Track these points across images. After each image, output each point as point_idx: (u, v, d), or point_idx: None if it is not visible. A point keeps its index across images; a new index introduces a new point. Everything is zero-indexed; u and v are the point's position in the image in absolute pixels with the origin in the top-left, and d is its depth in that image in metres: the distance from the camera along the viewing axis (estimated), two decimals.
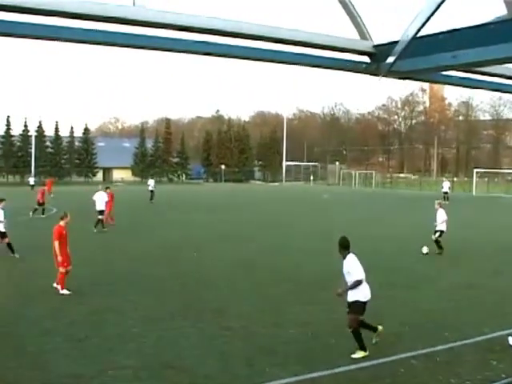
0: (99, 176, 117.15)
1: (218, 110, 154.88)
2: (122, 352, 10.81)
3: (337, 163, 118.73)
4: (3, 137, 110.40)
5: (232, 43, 6.49)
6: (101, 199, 30.74)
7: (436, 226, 23.48)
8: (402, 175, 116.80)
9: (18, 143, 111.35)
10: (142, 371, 9.81)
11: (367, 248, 21.40)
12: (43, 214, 37.18)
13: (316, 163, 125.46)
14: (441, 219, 23.40)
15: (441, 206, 23.97)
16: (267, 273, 18.69)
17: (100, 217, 30.16)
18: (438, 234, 23.32)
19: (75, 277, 17.47)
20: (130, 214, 38.48)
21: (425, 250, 22.77)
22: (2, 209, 21.37)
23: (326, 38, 6.75)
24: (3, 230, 21.45)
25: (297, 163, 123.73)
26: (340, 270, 10.99)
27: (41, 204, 37.69)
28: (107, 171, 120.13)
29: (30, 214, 36.80)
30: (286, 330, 12.22)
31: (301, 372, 9.78)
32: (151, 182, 55.05)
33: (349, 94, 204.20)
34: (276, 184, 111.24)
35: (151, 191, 52.78)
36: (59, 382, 9.31)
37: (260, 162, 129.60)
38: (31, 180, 77.47)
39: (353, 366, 10.09)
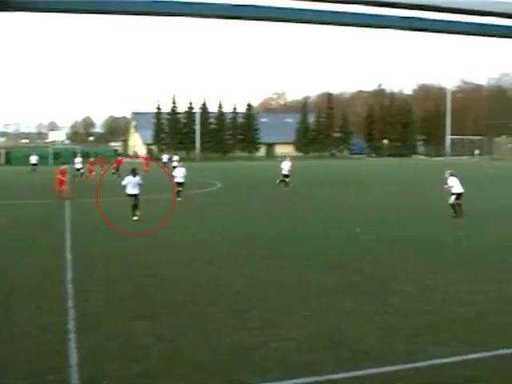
0: (262, 151, 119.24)
1: (380, 84, 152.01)
2: (284, 325, 10.98)
3: (504, 137, 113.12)
4: (169, 114, 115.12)
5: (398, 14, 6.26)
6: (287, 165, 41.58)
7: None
8: None
9: (184, 120, 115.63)
10: (303, 344, 9.91)
11: None
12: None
13: (481, 137, 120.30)
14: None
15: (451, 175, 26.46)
16: (428, 248, 18.25)
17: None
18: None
19: (235, 248, 18.01)
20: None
21: None
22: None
23: (491, 4, 6.36)
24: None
25: (461, 137, 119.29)
26: None
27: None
28: (270, 147, 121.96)
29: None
30: (452, 309, 11.89)
31: (464, 352, 9.49)
32: (286, 165, 42.34)
33: None
34: (440, 159, 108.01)
35: (285, 175, 42.09)
36: (225, 351, 9.62)
37: (423, 137, 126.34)
38: (164, 157, 79.73)
39: None
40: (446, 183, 26.47)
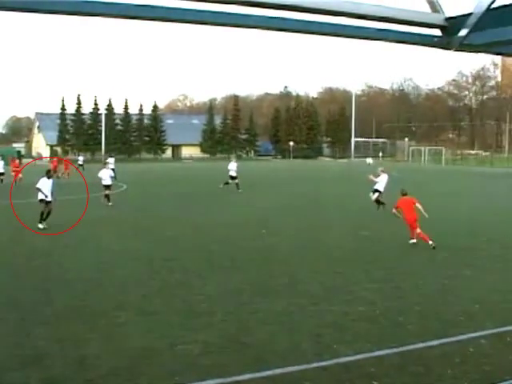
0: (168, 153, 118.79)
1: (286, 87, 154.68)
2: (191, 327, 10.99)
3: (406, 139, 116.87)
4: (74, 115, 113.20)
5: (301, 18, 6.38)
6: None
7: None
8: (472, 152, 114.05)
9: (89, 121, 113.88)
10: (210, 346, 9.94)
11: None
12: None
13: (385, 139, 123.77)
14: None
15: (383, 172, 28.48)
16: (332, 249, 18.64)
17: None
18: None
19: (147, 251, 17.91)
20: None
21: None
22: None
23: (396, 12, 6.59)
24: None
25: (366, 139, 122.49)
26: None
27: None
28: (176, 148, 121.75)
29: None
30: (356, 308, 12.18)
31: (368, 349, 9.75)
32: (233, 166, 40.84)
33: (418, 70, 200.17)
34: (345, 160, 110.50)
35: (232, 177, 40.74)
36: (131, 355, 9.53)
37: (329, 139, 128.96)
38: (80, 159, 77.79)
39: (421, 345, 9.98)
40: (377, 176, 28.33)
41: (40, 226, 22.72)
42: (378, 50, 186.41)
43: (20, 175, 48.41)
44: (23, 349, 9.82)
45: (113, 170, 48.43)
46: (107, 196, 32.01)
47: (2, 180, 48.47)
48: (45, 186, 23.06)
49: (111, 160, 53.42)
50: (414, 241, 19.05)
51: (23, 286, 14.10)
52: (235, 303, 12.55)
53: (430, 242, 18.42)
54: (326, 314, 11.80)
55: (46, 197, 22.96)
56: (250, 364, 9.13)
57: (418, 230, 18.92)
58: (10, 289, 13.91)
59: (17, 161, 53.41)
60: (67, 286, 14.14)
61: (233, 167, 40.52)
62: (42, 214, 22.97)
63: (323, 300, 12.80)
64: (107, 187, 32.37)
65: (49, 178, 23.42)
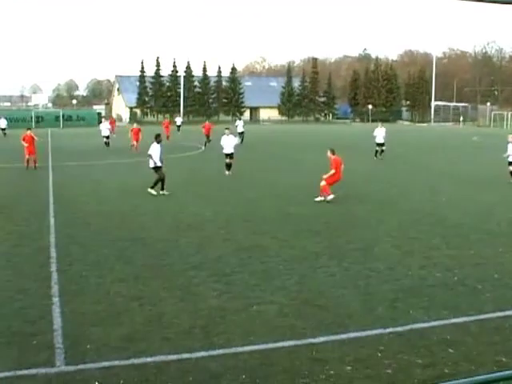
0: (246, 115, 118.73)
1: (365, 49, 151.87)
2: (267, 288, 11.02)
3: (488, 104, 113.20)
4: (153, 77, 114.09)
5: None
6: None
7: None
8: None
9: (168, 83, 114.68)
10: (286, 308, 9.97)
11: None
12: None
13: (466, 104, 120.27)
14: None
15: None
16: (410, 214, 18.32)
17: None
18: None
19: (224, 213, 18.06)
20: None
21: None
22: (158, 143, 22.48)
23: None
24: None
25: (446, 103, 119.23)
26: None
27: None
28: (254, 110, 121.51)
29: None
30: (433, 274, 11.98)
31: (445, 316, 9.58)
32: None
33: (502, 32, 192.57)
34: (424, 124, 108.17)
35: (240, 133, 48.42)
36: (207, 314, 9.66)
37: (408, 102, 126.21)
38: (178, 120, 77.77)
39: (498, 314, 9.74)
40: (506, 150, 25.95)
41: (152, 191, 22.21)
42: (460, 11, 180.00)
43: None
44: (102, 306, 10.09)
45: (241, 133, 48.91)
46: (228, 165, 28.52)
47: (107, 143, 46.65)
48: (156, 151, 22.42)
49: (240, 123, 51.27)
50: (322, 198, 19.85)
51: (103, 245, 14.47)
52: (311, 266, 12.53)
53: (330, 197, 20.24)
54: (403, 278, 11.66)
55: (157, 163, 22.38)
56: (324, 327, 9.12)
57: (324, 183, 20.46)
58: (91, 246, 14.29)
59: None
60: (146, 245, 14.43)
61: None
62: (158, 181, 22.24)
63: (399, 265, 12.64)
64: (228, 156, 28.70)
65: (158, 142, 22.66)
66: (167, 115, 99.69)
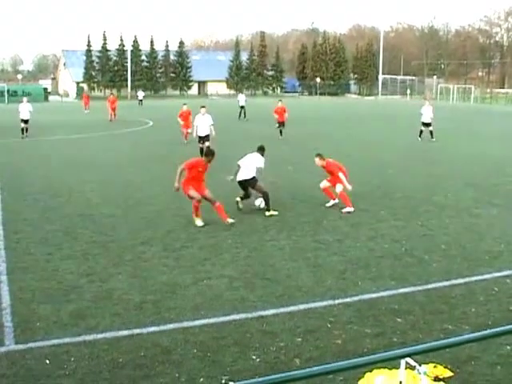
0: (194, 89, 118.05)
1: (313, 23, 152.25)
2: (216, 262, 11.06)
3: (434, 77, 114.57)
4: (100, 51, 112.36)
5: None
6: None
7: None
8: (502, 91, 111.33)
9: (115, 57, 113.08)
10: (236, 281, 10.02)
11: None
12: None
13: (413, 77, 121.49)
14: None
15: None
16: (358, 185, 18.50)
17: None
18: None
19: (167, 188, 18.01)
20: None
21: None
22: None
23: None
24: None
25: (393, 76, 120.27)
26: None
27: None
28: (202, 84, 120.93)
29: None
30: (381, 245, 12.17)
31: (393, 287, 9.77)
32: (241, 98, 50.93)
33: (448, 6, 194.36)
34: (371, 98, 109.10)
35: (241, 107, 49.20)
36: (156, 289, 9.65)
37: (356, 76, 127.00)
38: (140, 94, 77.68)
39: (445, 283, 9.97)
40: None
41: None
42: None
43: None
44: (51, 283, 9.99)
45: (242, 107, 48.68)
46: (202, 150, 23.70)
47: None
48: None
49: (241, 97, 50.39)
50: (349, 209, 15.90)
51: (51, 221, 14.28)
52: (261, 240, 12.61)
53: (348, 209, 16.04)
54: (351, 250, 11.82)
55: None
56: (275, 299, 9.21)
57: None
58: (37, 224, 14.09)
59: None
60: (95, 222, 14.30)
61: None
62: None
63: (348, 237, 12.81)
64: (202, 139, 26.05)
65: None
66: (113, 90, 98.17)
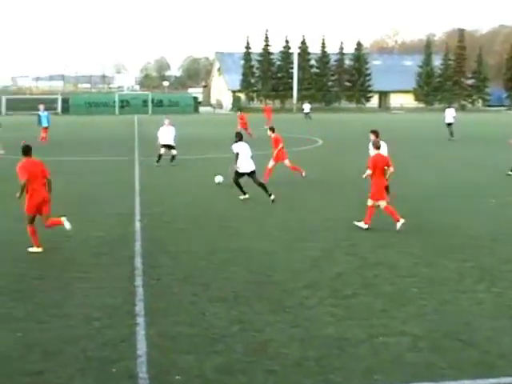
0: (374, 101, 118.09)
1: None
2: (396, 316, 10.88)
3: None
4: (261, 55, 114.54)
5: None
6: None
7: None
8: None
9: (278, 62, 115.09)
10: (420, 341, 9.79)
11: None
12: None
13: None
14: None
15: None
16: None
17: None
18: None
19: (346, 220, 17.95)
20: None
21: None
22: None
23: None
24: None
25: None
26: None
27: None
28: (383, 96, 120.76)
29: None
30: None
31: None
32: (450, 112, 49.05)
33: None
34: None
35: (449, 124, 47.86)
36: (320, 344, 9.62)
37: None
38: (306, 107, 76.44)
39: None
40: None
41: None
42: None
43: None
44: (196, 329, 10.24)
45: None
46: (159, 156, 31.48)
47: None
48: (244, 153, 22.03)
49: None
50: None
51: (197, 255, 14.71)
52: (454, 290, 12.29)
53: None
54: None
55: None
56: (469, 368, 8.90)
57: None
58: (181, 258, 14.56)
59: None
60: (250, 258, 14.58)
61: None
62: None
63: None
64: (166, 146, 32.12)
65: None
66: (269, 102, 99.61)
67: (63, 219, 15.20)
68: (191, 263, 14.08)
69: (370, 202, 17.11)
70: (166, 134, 31.58)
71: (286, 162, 25.75)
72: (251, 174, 21.75)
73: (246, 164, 21.55)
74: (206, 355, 9.20)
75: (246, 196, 21.97)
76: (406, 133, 51.24)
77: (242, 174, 21.79)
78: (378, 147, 17.55)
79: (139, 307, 11.22)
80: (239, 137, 22.18)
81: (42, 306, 11.38)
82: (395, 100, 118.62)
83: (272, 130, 25.62)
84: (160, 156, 31.27)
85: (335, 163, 33.03)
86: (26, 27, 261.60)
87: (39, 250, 15.01)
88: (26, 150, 15.10)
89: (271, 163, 25.33)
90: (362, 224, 17.09)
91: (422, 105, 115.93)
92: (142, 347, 9.45)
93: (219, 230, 17.50)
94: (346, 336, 9.96)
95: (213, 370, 8.75)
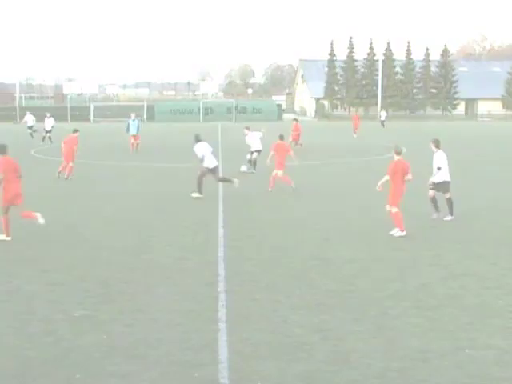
0: (460, 109, 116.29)
1: None
2: (483, 329, 10.66)
3: None
4: (345, 62, 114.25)
5: None
6: None
7: None
8: None
9: (362, 69, 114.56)
10: (508, 355, 9.56)
11: None
12: None
13: None
14: None
15: None
16: None
17: None
18: None
19: (430, 231, 17.73)
20: None
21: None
22: None
23: None
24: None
25: None
26: None
27: None
28: (470, 103, 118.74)
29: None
30: None
31: None
32: (383, 114, 57.08)
33: None
34: None
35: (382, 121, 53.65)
36: (404, 355, 9.50)
37: None
38: (383, 115, 76.75)
39: None
40: None
41: None
42: None
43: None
44: (277, 336, 10.23)
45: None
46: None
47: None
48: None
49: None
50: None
51: (280, 263, 14.73)
52: None
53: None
54: None
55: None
56: None
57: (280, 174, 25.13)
58: (264, 265, 14.60)
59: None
60: (333, 266, 14.52)
61: None
62: None
63: None
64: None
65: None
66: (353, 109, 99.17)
67: (38, 215, 16.84)
68: (274, 271, 14.10)
69: (394, 210, 17.17)
70: (255, 140, 32.75)
71: (280, 172, 25.42)
72: (214, 170, 24.42)
73: (210, 161, 24.29)
74: (287, 363, 9.19)
75: (201, 196, 23.78)
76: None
77: (210, 170, 24.23)
78: (398, 153, 17.64)
79: (221, 313, 11.28)
80: (197, 139, 24.82)
81: (127, 309, 11.57)
82: (482, 107, 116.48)
83: (281, 138, 26.52)
84: (253, 162, 32.31)
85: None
86: (114, 35, 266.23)
87: (7, 238, 16.74)
88: (3, 149, 16.92)
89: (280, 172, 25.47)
90: (398, 232, 17.14)
91: (510, 112, 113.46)
92: (223, 353, 9.50)
93: (302, 236, 17.47)
94: (430, 348, 9.81)
95: (294, 377, 8.73)
